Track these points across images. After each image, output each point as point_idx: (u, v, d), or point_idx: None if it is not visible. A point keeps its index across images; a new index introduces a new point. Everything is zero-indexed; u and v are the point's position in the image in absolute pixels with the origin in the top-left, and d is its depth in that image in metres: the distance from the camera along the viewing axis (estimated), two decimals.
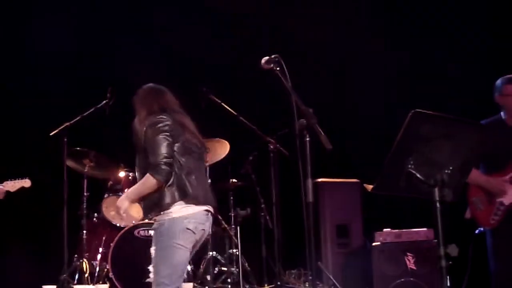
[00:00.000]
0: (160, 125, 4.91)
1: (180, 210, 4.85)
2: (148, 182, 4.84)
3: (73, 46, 8.19)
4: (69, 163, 7.25)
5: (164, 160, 4.82)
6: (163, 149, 4.85)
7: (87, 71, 8.16)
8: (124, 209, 4.92)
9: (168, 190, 4.86)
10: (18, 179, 6.08)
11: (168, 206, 4.83)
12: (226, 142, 7.54)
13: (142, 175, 4.92)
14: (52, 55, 8.03)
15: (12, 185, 6.06)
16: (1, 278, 7.52)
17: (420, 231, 7.10)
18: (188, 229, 4.83)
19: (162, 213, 4.85)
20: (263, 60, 4.89)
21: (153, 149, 4.86)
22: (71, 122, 7.11)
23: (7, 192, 6.05)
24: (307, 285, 7.44)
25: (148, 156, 4.87)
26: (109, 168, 7.50)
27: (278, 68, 4.81)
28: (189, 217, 4.86)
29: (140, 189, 4.91)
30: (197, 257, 7.19)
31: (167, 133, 4.90)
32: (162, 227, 4.84)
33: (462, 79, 8.08)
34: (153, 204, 4.89)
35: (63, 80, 8.08)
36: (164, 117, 4.97)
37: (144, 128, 4.93)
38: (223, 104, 7.47)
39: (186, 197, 4.87)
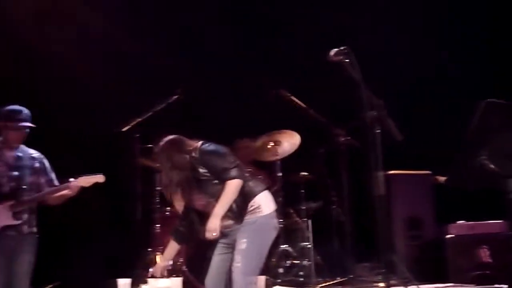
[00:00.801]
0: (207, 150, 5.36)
1: (268, 206, 5.34)
2: (231, 187, 5.24)
3: (145, 43, 8.29)
4: (141, 159, 7.35)
5: (234, 160, 5.28)
6: (228, 155, 5.33)
7: (158, 67, 8.23)
8: (217, 229, 5.23)
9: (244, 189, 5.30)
10: (92, 175, 6.18)
11: (253, 202, 5.29)
12: (297, 135, 7.53)
13: (214, 197, 5.27)
14: (124, 53, 8.15)
15: (87, 181, 6.16)
16: (77, 272, 7.66)
17: (494, 223, 6.98)
18: (275, 227, 5.42)
19: (251, 210, 5.27)
20: (331, 52, 4.90)
21: (220, 158, 5.30)
22: (143, 118, 7.21)
23: (82, 187, 6.15)
24: (379, 278, 7.37)
25: (214, 172, 5.28)
26: None
27: (347, 60, 4.79)
28: (274, 215, 5.40)
29: (228, 199, 5.26)
30: (268, 250, 7.19)
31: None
32: (255, 224, 5.27)
33: None
34: (240, 208, 5.28)
35: (134, 76, 8.17)
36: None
37: (193, 158, 5.32)
38: (292, 97, 7.47)
39: (262, 189, 5.36)
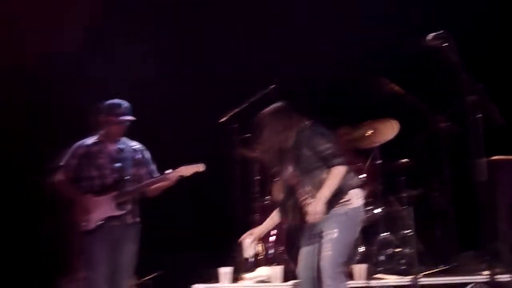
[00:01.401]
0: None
1: (357, 201, 5.43)
2: (338, 172, 5.33)
3: (240, 34, 8.32)
4: (240, 149, 7.40)
5: (339, 148, 5.41)
6: (334, 141, 5.41)
7: (255, 57, 8.25)
8: (320, 213, 5.31)
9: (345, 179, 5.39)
10: (192, 164, 6.25)
11: (346, 194, 5.38)
12: (396, 122, 7.43)
13: (308, 176, 5.38)
14: (221, 43, 8.21)
15: (186, 170, 6.24)
16: (179, 261, 7.78)
17: None
18: (362, 221, 5.55)
19: (343, 202, 5.36)
20: (429, 37, 4.81)
21: (329, 143, 5.38)
22: (240, 108, 7.25)
23: (181, 177, 6.24)
24: (484, 266, 7.20)
25: (314, 154, 5.35)
26: None
27: (445, 44, 4.70)
28: (362, 209, 5.50)
29: (333, 185, 5.33)
30: (369, 239, 7.15)
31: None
32: (346, 215, 5.36)
33: None
34: (335, 194, 5.34)
35: (231, 67, 8.22)
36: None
37: (300, 133, 5.42)
38: (391, 83, 7.37)
39: (357, 185, 5.46)
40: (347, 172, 5.41)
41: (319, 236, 5.44)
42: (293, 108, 5.60)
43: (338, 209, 5.37)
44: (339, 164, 5.34)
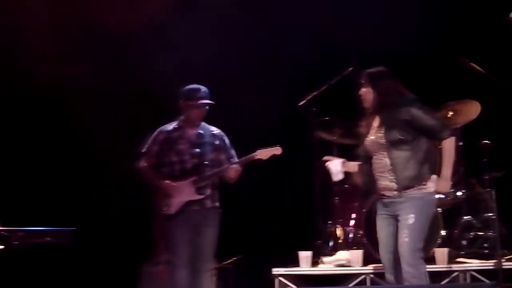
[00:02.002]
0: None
1: (433, 186, 5.41)
2: (451, 145, 5.40)
3: (317, 17, 8.27)
4: (319, 132, 7.39)
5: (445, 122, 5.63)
6: (434, 115, 5.48)
7: (332, 39, 8.19)
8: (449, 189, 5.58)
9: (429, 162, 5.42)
10: (270, 147, 6.27)
11: (428, 178, 5.39)
12: (477, 103, 7.28)
13: (394, 148, 5.36)
14: (299, 26, 8.17)
15: (264, 153, 6.26)
16: (260, 245, 7.83)
17: None
18: (435, 205, 5.69)
19: (419, 186, 5.36)
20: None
21: (432, 117, 5.41)
22: (318, 91, 7.22)
23: (259, 160, 6.26)
24: None
25: (422, 127, 5.37)
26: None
27: None
28: (435, 193, 5.51)
29: (451, 159, 5.40)
30: (451, 222, 7.06)
31: None
32: (422, 199, 5.37)
33: None
34: (418, 175, 5.37)
35: (308, 49, 8.19)
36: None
37: (404, 103, 5.44)
38: (472, 63, 7.23)
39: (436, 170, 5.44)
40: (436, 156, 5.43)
41: (394, 219, 5.44)
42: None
43: (414, 193, 5.36)
44: (450, 135, 5.39)
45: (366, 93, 5.59)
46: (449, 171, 5.37)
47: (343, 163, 5.75)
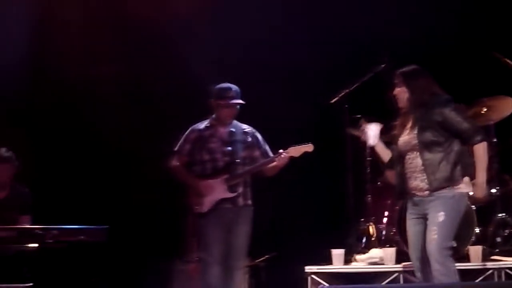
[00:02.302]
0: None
1: (465, 187, 5.41)
2: (483, 151, 5.36)
3: (350, 14, 8.24)
4: (351, 130, 7.35)
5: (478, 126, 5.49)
6: (467, 118, 5.46)
7: (367, 35, 8.15)
8: (486, 197, 5.63)
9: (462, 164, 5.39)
10: (301, 144, 6.27)
11: (460, 180, 5.36)
12: (511, 99, 7.22)
13: (427, 149, 5.33)
14: (331, 22, 8.15)
15: (296, 150, 6.26)
16: (292, 243, 7.83)
17: None
18: (466, 206, 5.59)
19: (451, 186, 5.33)
20: None
21: (465, 120, 5.39)
22: (351, 88, 7.20)
23: (291, 157, 6.26)
24: None
25: (455, 130, 5.34)
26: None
27: None
28: (467, 195, 5.49)
29: (484, 164, 5.39)
30: (485, 219, 6.99)
31: None
32: (453, 198, 5.33)
33: None
34: (450, 177, 5.34)
35: (340, 46, 8.16)
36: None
37: (438, 103, 5.39)
38: (506, 59, 7.16)
39: (470, 172, 5.42)
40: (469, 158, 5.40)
41: (423, 217, 5.43)
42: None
43: (446, 192, 5.33)
44: (482, 140, 5.34)
45: (400, 92, 5.57)
46: (483, 177, 5.35)
47: (381, 129, 5.72)
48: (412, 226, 5.51)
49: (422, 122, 5.41)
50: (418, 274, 5.51)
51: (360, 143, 6.01)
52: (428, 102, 5.44)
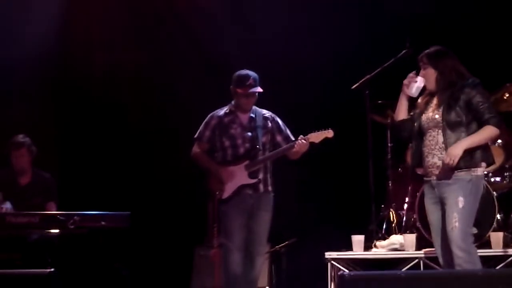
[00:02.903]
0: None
1: (482, 170, 5.39)
2: (488, 132, 5.31)
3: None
4: (373, 115, 7.34)
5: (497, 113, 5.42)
6: (490, 101, 5.47)
7: (385, 21, 8.11)
8: (457, 156, 5.24)
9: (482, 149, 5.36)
10: (322, 130, 6.25)
11: (479, 164, 5.34)
12: None
13: (450, 128, 5.33)
14: (350, 13, 8.13)
15: (316, 136, 6.25)
16: (313, 229, 7.83)
17: None
18: (482, 189, 5.50)
19: (468, 168, 5.30)
20: None
21: (487, 103, 5.37)
22: (372, 74, 7.17)
23: (312, 143, 6.25)
24: None
25: (476, 109, 5.32)
26: None
27: None
28: (483, 177, 5.53)
29: (478, 138, 5.31)
30: (507, 205, 6.96)
31: None
32: (471, 182, 5.31)
33: None
34: (469, 159, 5.30)
35: (362, 32, 8.13)
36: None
37: (465, 84, 5.39)
38: None
39: (489, 160, 5.44)
40: (489, 144, 5.42)
41: (440, 202, 5.41)
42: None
43: (463, 175, 5.31)
44: (495, 124, 5.31)
45: (428, 74, 5.55)
46: (468, 142, 5.27)
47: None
48: (433, 211, 5.50)
49: (450, 101, 5.39)
50: (441, 260, 5.51)
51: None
52: (456, 82, 5.43)
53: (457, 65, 5.50)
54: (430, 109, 5.52)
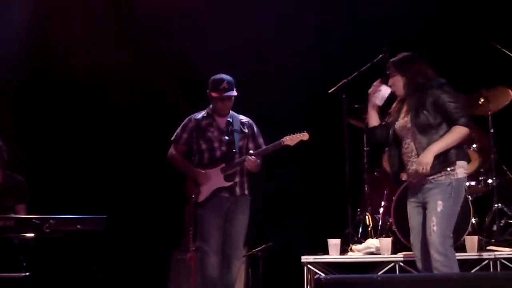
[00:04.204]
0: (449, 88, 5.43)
1: (461, 171, 5.36)
2: (458, 133, 5.29)
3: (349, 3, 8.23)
4: (349, 119, 7.36)
5: (466, 108, 5.40)
6: (463, 104, 5.40)
7: (365, 25, 8.14)
8: (428, 164, 5.25)
9: (456, 148, 5.33)
10: (297, 133, 6.26)
11: (454, 164, 5.31)
12: (509, 90, 7.22)
13: (421, 132, 5.34)
14: (326, 19, 8.14)
15: (291, 139, 6.25)
16: (289, 233, 7.83)
17: None
18: (464, 192, 5.50)
19: (448, 171, 5.30)
20: None
21: (460, 102, 5.37)
22: (349, 78, 7.19)
23: (287, 146, 6.26)
24: None
25: (443, 109, 5.31)
26: None
27: None
28: (465, 180, 5.50)
29: (449, 141, 5.29)
30: (482, 209, 7.01)
31: None
32: (450, 186, 5.30)
33: None
34: (443, 159, 5.29)
35: (338, 36, 8.15)
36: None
37: (433, 86, 5.39)
38: (504, 49, 7.15)
39: (465, 159, 5.41)
40: (463, 141, 5.39)
41: (423, 206, 5.43)
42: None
43: (442, 179, 5.33)
44: (464, 124, 5.29)
45: (395, 81, 5.58)
46: (438, 148, 5.27)
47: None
48: (415, 216, 5.51)
49: (417, 105, 5.40)
50: (419, 264, 5.52)
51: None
52: (423, 86, 5.44)
53: (424, 68, 5.52)
54: (402, 116, 5.54)
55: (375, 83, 5.75)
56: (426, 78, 5.48)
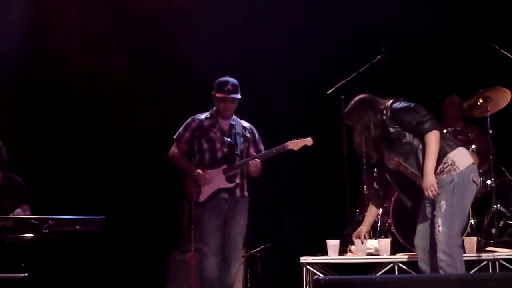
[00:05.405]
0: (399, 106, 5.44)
1: (462, 162, 5.30)
2: (431, 139, 5.27)
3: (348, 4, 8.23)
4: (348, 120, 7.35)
5: (427, 113, 5.35)
6: (421, 110, 5.36)
7: (363, 26, 8.14)
8: (433, 185, 5.26)
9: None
10: (301, 138, 6.28)
11: (446, 160, 5.29)
12: (508, 91, 7.22)
13: (406, 157, 5.36)
14: (330, 19, 8.15)
15: (295, 144, 6.27)
16: (288, 234, 7.85)
17: None
18: (474, 181, 5.36)
19: (446, 169, 5.28)
20: None
21: (413, 114, 5.36)
22: (347, 79, 7.19)
23: (291, 150, 6.28)
24: None
25: (409, 128, 5.34)
26: None
27: None
28: (471, 169, 5.32)
29: (433, 152, 5.27)
30: (480, 210, 7.01)
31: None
32: (452, 183, 5.28)
33: None
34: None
35: (338, 37, 8.15)
36: None
37: (384, 117, 5.42)
38: (502, 50, 7.16)
39: (454, 147, 5.39)
40: (443, 139, 5.36)
41: (431, 205, 5.42)
42: (372, 95, 5.61)
43: (444, 177, 5.32)
44: (429, 130, 5.28)
45: (357, 132, 5.62)
46: (429, 165, 5.26)
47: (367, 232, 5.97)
48: (424, 215, 5.50)
49: (387, 140, 5.44)
50: (422, 264, 5.53)
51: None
52: (379, 120, 5.46)
53: (373, 106, 5.53)
54: (384, 158, 5.56)
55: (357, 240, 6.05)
56: (377, 111, 5.48)
